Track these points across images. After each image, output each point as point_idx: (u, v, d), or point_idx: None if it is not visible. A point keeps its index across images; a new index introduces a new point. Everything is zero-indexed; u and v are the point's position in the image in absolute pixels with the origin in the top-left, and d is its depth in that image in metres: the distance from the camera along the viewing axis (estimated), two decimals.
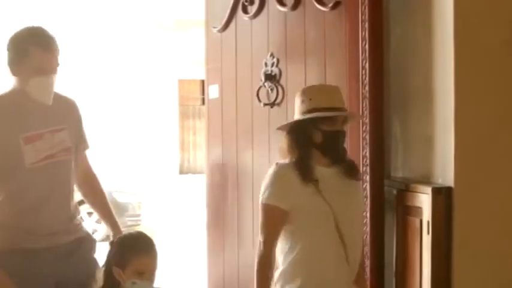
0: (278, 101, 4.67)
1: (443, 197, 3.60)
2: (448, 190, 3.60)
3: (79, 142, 3.85)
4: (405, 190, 3.88)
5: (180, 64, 15.21)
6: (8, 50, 3.62)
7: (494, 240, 3.60)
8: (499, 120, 3.63)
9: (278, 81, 4.68)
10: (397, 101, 4.06)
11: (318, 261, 3.41)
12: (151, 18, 14.43)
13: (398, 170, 4.07)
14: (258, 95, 4.79)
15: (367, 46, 3.94)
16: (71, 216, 3.78)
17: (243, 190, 5.09)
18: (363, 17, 3.95)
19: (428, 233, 3.65)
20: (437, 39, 3.72)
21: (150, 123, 16.24)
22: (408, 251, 3.87)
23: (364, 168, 3.96)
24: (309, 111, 3.40)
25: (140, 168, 15.75)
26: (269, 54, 4.74)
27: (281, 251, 3.45)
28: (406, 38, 4.00)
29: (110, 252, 3.50)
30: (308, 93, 3.47)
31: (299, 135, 3.44)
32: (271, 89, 4.71)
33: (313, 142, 3.44)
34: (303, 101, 3.44)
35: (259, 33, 4.87)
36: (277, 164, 3.49)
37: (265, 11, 4.80)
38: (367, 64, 3.95)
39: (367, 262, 3.95)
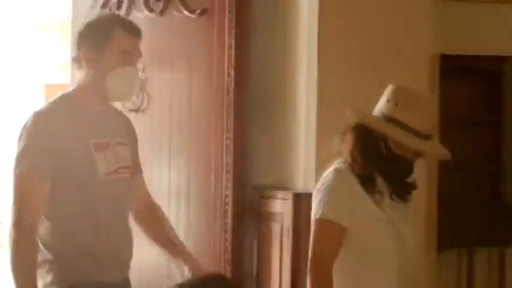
0: (143, 107, 4.63)
1: (304, 202, 3.66)
2: (308, 196, 3.66)
3: (135, 163, 3.07)
4: (267, 197, 3.93)
5: (46, 68, 14.84)
6: (81, 37, 2.88)
7: None
8: None
9: (144, 88, 4.65)
10: (261, 108, 4.11)
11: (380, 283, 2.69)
12: (13, 21, 14.03)
13: (261, 177, 4.11)
14: None
15: (232, 53, 3.98)
16: (132, 246, 2.98)
17: None
18: (230, 24, 4.00)
19: (288, 239, 3.71)
20: (301, 46, 3.81)
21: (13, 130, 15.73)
22: (270, 257, 3.92)
23: (226, 176, 3.99)
24: (396, 122, 2.63)
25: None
26: None
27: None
28: (272, 45, 4.07)
29: None
30: (402, 95, 2.69)
31: (375, 146, 2.67)
32: (137, 95, 4.67)
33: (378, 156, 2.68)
34: (388, 101, 2.69)
35: None
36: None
37: (132, 16, 4.75)
38: (232, 71, 3.98)
39: (229, 269, 3.97)
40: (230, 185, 3.99)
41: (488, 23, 4.42)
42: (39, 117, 2.80)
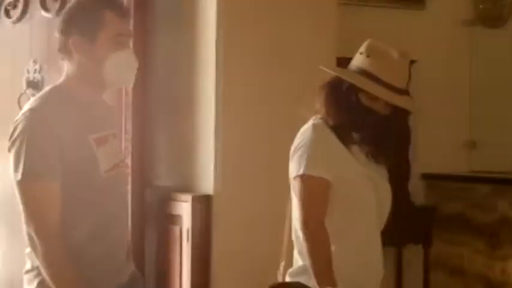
0: None
1: (203, 205, 3.66)
2: (207, 198, 3.67)
3: None
4: (167, 199, 3.91)
5: None
6: (67, 25, 2.59)
7: (250, 245, 3.69)
8: (258, 129, 3.75)
9: (41, 89, 4.55)
10: (166, 109, 4.08)
11: (365, 240, 2.73)
12: None
13: (164, 179, 4.08)
14: (19, 102, 4.62)
15: None
16: (129, 248, 2.79)
17: None
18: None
19: (188, 241, 3.69)
20: (206, 46, 3.80)
21: None
22: (169, 259, 3.89)
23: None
24: (369, 75, 2.64)
25: None
26: (32, 60, 4.60)
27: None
28: (177, 45, 4.04)
29: None
30: (374, 49, 2.68)
31: (337, 95, 2.68)
32: (34, 96, 4.56)
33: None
34: (361, 54, 2.69)
35: (22, 38, 4.71)
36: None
37: (28, 16, 4.65)
38: None
39: None
40: (129, 187, 3.93)
41: (388, 28, 4.51)
42: (35, 115, 2.48)
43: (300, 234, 2.60)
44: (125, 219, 2.79)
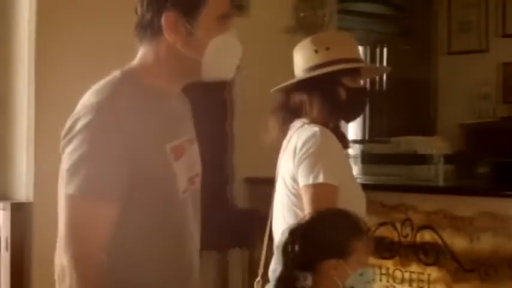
0: None
1: (22, 212, 3.54)
2: (26, 205, 3.55)
3: None
4: None
5: None
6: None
7: None
8: None
9: None
10: None
11: None
12: None
13: None
14: None
15: None
16: None
17: None
18: None
19: (7, 250, 3.56)
20: (20, 48, 3.68)
21: None
22: None
23: None
24: (331, 63, 2.70)
25: None
26: None
27: None
28: None
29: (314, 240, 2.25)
30: (322, 42, 2.76)
31: (330, 93, 2.71)
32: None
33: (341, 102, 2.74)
34: (316, 51, 2.72)
35: None
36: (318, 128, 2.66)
37: None
38: None
39: None
40: None
41: None
42: (103, 110, 1.88)
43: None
44: (198, 252, 2.15)
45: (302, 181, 2.59)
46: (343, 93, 2.70)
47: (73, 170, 1.84)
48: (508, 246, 3.72)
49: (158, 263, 1.95)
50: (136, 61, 2.02)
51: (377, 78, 6.29)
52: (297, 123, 2.71)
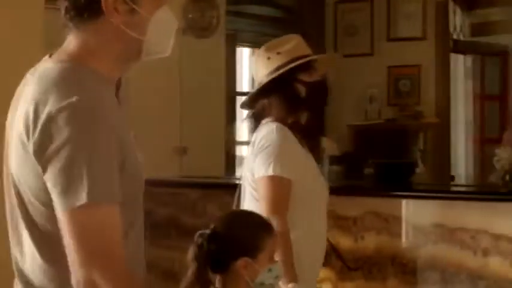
0: None
1: None
2: None
3: None
4: None
5: None
6: None
7: None
8: None
9: None
10: None
11: (319, 233, 2.96)
12: None
13: None
14: None
15: None
16: None
17: None
18: None
19: None
20: None
21: None
22: None
23: None
24: (283, 65, 2.88)
25: None
26: None
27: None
28: None
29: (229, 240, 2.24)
30: (273, 48, 2.95)
31: (287, 92, 2.89)
32: None
33: (301, 98, 2.91)
34: (269, 58, 2.93)
35: None
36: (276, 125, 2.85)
37: None
38: None
39: None
40: None
41: None
42: (85, 106, 1.66)
43: None
44: None
45: (256, 173, 2.81)
46: (302, 89, 2.89)
47: (73, 182, 1.62)
48: (391, 245, 3.82)
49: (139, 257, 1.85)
50: (75, 47, 1.79)
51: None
52: (262, 124, 2.90)
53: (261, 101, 2.91)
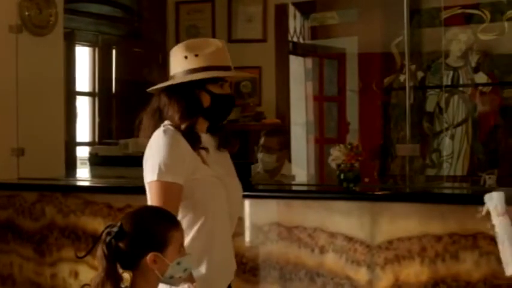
0: None
1: None
2: None
3: None
4: None
5: None
6: None
7: None
8: None
9: None
10: None
11: (219, 238, 2.90)
12: None
13: None
14: None
15: None
16: None
17: None
18: None
19: None
20: None
21: None
22: None
23: None
24: (197, 70, 2.84)
25: None
26: None
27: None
28: None
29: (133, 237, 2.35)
30: (193, 48, 2.88)
31: (188, 98, 2.85)
32: None
33: (202, 107, 2.87)
34: (186, 57, 2.86)
35: None
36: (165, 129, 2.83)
37: None
38: None
39: None
40: None
41: None
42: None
43: None
44: None
45: (144, 179, 2.80)
46: (206, 99, 2.86)
47: None
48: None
49: None
50: None
51: (103, 79, 6.33)
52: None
53: (164, 98, 2.88)
